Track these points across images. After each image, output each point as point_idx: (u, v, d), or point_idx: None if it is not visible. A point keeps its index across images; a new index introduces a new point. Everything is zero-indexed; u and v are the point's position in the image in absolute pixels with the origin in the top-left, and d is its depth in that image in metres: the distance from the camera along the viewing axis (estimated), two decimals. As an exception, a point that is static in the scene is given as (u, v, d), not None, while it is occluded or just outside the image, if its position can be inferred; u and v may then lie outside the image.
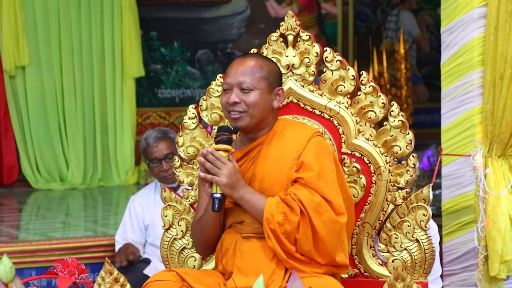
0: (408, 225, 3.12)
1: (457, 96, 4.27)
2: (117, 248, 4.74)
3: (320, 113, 3.22)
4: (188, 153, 3.33)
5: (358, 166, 3.18)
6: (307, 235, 2.87)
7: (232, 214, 3.03)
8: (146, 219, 4.69)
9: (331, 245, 2.89)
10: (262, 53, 3.28)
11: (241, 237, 2.98)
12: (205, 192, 2.98)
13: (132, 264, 4.61)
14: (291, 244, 2.88)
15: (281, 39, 3.28)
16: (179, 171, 3.34)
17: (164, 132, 4.67)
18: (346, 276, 3.20)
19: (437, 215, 4.42)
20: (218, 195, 2.92)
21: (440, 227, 4.14)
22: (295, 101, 3.25)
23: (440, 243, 4.08)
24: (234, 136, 3.04)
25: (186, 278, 2.90)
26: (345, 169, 3.17)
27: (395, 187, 3.17)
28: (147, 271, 4.52)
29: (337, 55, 3.23)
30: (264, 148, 3.01)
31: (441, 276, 3.96)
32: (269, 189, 2.95)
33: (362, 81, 3.20)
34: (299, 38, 3.26)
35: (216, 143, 2.97)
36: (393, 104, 3.19)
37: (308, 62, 3.23)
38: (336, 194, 2.92)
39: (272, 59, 3.17)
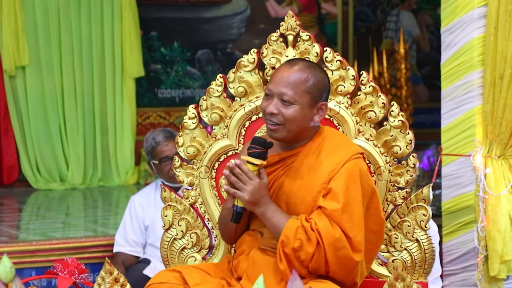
0: (408, 225, 3.12)
1: (457, 96, 4.27)
2: (115, 249, 4.74)
3: (320, 113, 3.22)
4: (188, 153, 3.32)
5: (358, 166, 3.18)
6: (319, 265, 2.82)
7: (257, 221, 2.97)
8: (146, 219, 4.69)
9: (341, 278, 2.85)
10: (261, 53, 3.28)
11: (258, 246, 2.95)
12: (229, 201, 2.92)
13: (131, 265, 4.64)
14: (303, 268, 2.83)
15: (281, 39, 3.28)
16: (179, 171, 3.34)
17: (171, 132, 4.71)
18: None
19: (437, 215, 4.42)
20: (239, 209, 2.88)
21: (440, 227, 4.14)
22: (295, 101, 3.24)
23: (440, 243, 4.08)
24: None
25: (188, 281, 2.87)
26: (345, 169, 3.16)
27: (395, 187, 3.17)
28: (147, 271, 4.52)
29: (337, 55, 3.22)
30: (298, 159, 2.93)
31: (441, 276, 3.96)
32: (294, 206, 2.89)
33: (362, 81, 3.19)
34: (299, 38, 3.25)
35: (249, 154, 2.88)
36: (393, 104, 3.18)
37: (308, 62, 3.23)
38: (359, 230, 2.83)
39: (317, 66, 3.03)
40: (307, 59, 3.22)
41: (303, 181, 2.88)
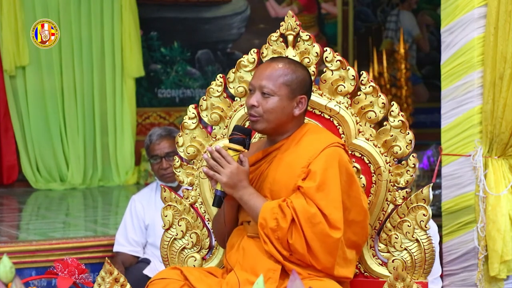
0: (408, 225, 3.12)
1: (457, 96, 4.27)
2: (116, 248, 4.74)
3: (320, 113, 3.22)
4: (188, 153, 3.33)
5: (358, 166, 3.18)
6: (300, 242, 2.87)
7: (244, 213, 3.04)
8: (146, 219, 4.69)
9: (324, 257, 2.88)
10: (261, 53, 3.28)
11: (246, 235, 3.01)
12: (212, 187, 3.02)
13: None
14: (285, 250, 2.89)
15: (281, 39, 3.28)
16: (179, 171, 3.34)
17: (169, 131, 4.70)
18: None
19: (437, 215, 4.42)
20: (219, 193, 2.97)
21: (440, 227, 4.14)
22: (295, 101, 3.25)
23: (440, 243, 4.08)
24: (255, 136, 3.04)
25: (189, 277, 2.93)
26: (345, 169, 3.17)
27: (395, 187, 3.17)
28: (146, 271, 4.52)
29: (337, 55, 3.22)
30: (281, 152, 3.02)
31: (441, 276, 3.96)
32: (277, 192, 2.96)
33: (362, 81, 3.20)
34: (299, 38, 3.25)
35: (229, 140, 3.00)
36: (393, 104, 3.19)
37: (308, 62, 3.23)
38: (335, 208, 2.88)
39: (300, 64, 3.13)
40: (307, 59, 3.22)
41: (285, 167, 2.97)
